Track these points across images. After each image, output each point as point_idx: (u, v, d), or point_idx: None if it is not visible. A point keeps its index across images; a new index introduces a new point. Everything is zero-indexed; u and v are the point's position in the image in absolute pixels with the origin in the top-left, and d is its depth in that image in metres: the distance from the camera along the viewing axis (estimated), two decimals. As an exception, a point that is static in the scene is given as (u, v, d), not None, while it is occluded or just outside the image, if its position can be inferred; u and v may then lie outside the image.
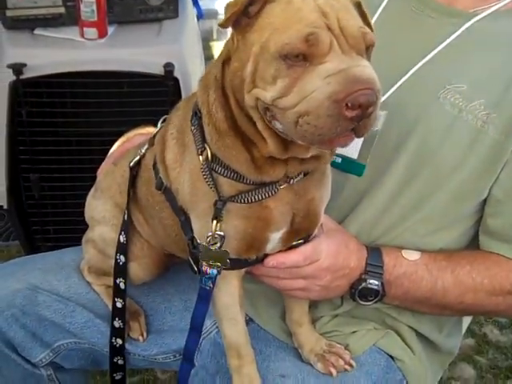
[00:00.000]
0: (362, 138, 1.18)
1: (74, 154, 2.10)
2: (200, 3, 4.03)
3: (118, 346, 1.31)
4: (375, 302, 1.19)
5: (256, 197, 0.98)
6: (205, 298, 1.08)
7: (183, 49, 2.07)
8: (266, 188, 0.98)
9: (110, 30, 2.05)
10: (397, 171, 1.19)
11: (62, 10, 2.01)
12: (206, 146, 0.98)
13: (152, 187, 1.12)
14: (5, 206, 2.22)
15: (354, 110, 0.80)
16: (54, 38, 2.01)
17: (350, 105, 0.80)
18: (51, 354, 1.36)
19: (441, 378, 1.45)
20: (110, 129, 1.90)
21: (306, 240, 1.10)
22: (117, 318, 1.28)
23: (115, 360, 1.32)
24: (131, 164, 1.19)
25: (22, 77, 1.90)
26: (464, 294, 1.18)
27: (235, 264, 1.06)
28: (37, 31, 2.02)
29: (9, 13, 1.97)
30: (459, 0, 1.22)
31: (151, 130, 1.31)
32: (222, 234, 1.00)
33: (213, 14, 4.45)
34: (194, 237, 1.06)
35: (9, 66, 1.89)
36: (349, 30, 0.84)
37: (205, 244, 1.02)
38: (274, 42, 0.84)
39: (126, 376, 1.36)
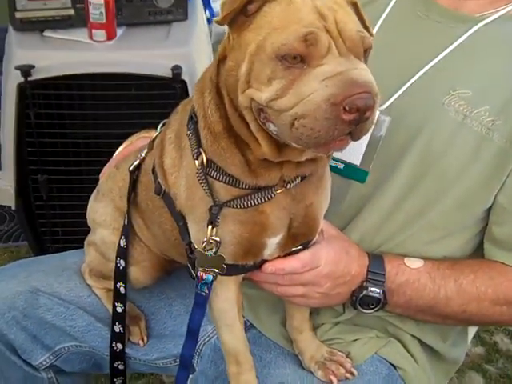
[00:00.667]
0: (366, 144, 1.17)
1: (81, 155, 2.11)
2: (212, 5, 4.03)
3: (118, 350, 1.30)
4: (377, 310, 1.17)
5: (252, 201, 0.97)
6: (201, 304, 1.07)
7: (192, 51, 2.06)
8: (262, 192, 0.97)
9: (119, 32, 2.05)
10: (400, 177, 1.17)
11: (72, 11, 2.01)
12: (201, 150, 0.97)
13: (151, 192, 1.11)
14: (13, 207, 2.23)
15: (352, 114, 0.79)
16: (63, 39, 2.01)
17: (347, 108, 0.79)
18: (52, 357, 1.36)
19: (449, 387, 1.43)
20: (118, 131, 1.90)
21: (306, 246, 1.09)
22: (117, 323, 1.28)
23: (115, 365, 1.32)
24: (131, 168, 1.19)
25: (30, 78, 1.90)
26: (468, 303, 1.16)
27: (232, 270, 1.05)
28: (46, 33, 2.02)
29: (18, 14, 1.98)
30: (466, 4, 1.20)
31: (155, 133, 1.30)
32: (217, 239, 0.99)
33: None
34: (191, 242, 1.05)
35: (17, 68, 1.89)
36: (347, 33, 0.83)
37: (200, 249, 1.01)
38: (270, 42, 0.83)
39: (127, 381, 1.36)
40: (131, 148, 1.36)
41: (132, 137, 1.43)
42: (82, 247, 1.39)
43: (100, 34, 1.98)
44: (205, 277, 1.03)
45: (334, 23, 0.83)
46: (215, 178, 0.97)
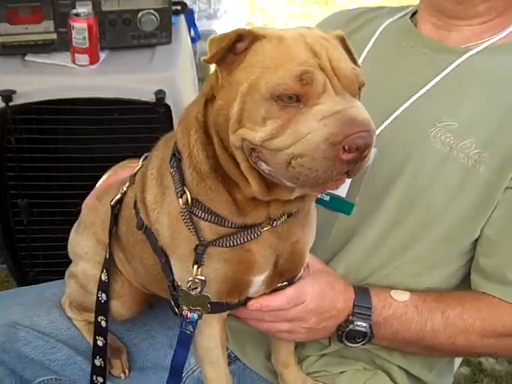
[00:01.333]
0: (351, 176, 1.16)
1: (63, 180, 2.08)
2: (197, 23, 4.02)
3: (98, 384, 1.27)
4: (363, 344, 1.16)
5: (238, 240, 0.95)
6: (185, 342, 1.05)
7: (175, 76, 2.04)
8: (249, 231, 0.95)
9: (102, 55, 2.02)
10: (386, 210, 1.16)
11: (54, 36, 1.98)
12: (185, 189, 0.95)
13: (133, 226, 1.09)
14: (-7, 231, 2.19)
15: (351, 153, 0.78)
16: (45, 64, 1.98)
17: (347, 148, 0.78)
18: (30, 391, 1.33)
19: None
20: (101, 155, 1.90)
21: (291, 282, 1.07)
22: (97, 357, 1.25)
23: (96, 399, 1.29)
24: (112, 202, 1.17)
25: (11, 103, 1.87)
26: (455, 335, 1.15)
27: (216, 308, 1.03)
28: (27, 57, 1.99)
29: (0, 39, 1.95)
30: (451, 36, 1.20)
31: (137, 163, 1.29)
32: (202, 278, 0.97)
33: (210, 35, 4.43)
34: (174, 279, 1.03)
35: (-2, 93, 1.87)
36: (341, 71, 0.83)
37: (185, 288, 0.99)
38: (264, 81, 0.81)
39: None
40: (114, 178, 1.34)
41: (115, 166, 1.41)
42: (63, 271, 1.37)
43: (83, 59, 1.95)
44: (190, 315, 1.01)
45: (327, 61, 0.82)
46: (200, 217, 0.95)
